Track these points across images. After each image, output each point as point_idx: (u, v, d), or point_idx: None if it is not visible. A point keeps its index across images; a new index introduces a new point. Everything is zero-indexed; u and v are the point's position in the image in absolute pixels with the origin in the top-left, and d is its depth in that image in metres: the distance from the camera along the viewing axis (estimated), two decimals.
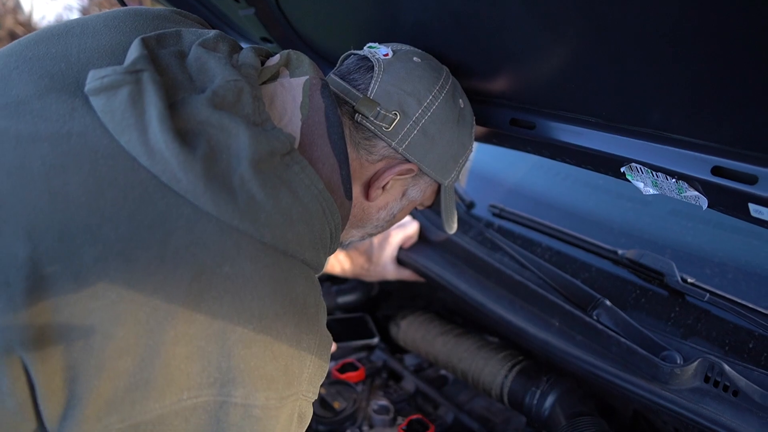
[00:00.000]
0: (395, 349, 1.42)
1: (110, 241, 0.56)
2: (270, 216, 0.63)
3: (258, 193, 0.62)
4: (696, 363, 0.88)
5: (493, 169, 1.57)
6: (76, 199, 0.57)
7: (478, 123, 0.97)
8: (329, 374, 1.30)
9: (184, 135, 0.61)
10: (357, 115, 0.81)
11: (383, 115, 0.81)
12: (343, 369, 1.29)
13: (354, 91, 0.82)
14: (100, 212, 0.57)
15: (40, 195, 0.57)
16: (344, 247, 0.99)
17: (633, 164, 0.78)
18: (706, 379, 0.88)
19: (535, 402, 1.05)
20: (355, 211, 0.87)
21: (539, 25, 0.72)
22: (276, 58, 0.79)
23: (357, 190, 0.85)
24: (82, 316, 0.55)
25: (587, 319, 1.00)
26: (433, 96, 0.83)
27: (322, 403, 1.20)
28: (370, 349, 1.41)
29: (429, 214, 1.45)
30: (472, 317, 1.32)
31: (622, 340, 0.94)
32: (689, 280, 1.00)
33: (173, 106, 0.63)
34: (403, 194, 0.90)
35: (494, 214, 1.36)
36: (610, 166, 0.83)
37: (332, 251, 0.78)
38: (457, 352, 1.22)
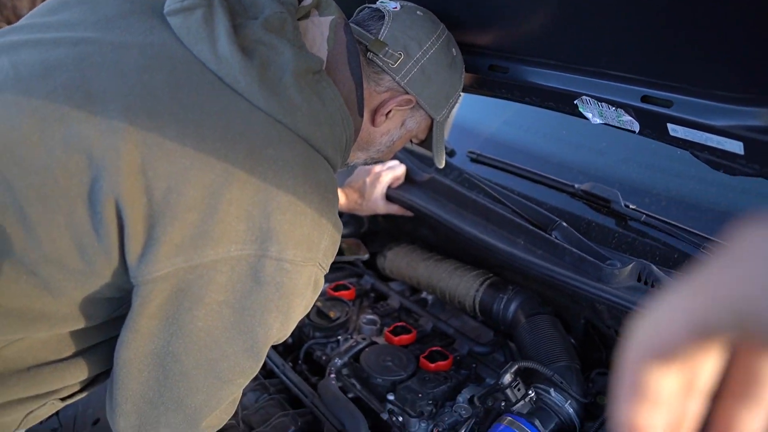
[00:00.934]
0: (381, 279, 1.62)
1: (186, 123, 0.75)
2: (304, 115, 0.83)
3: (296, 97, 0.82)
4: (631, 266, 1.09)
5: (471, 121, 1.77)
6: (161, 91, 0.76)
7: (465, 70, 1.16)
8: (324, 292, 1.49)
9: (243, 49, 0.80)
10: (369, 53, 1.00)
11: (390, 53, 1.00)
12: (336, 288, 1.48)
13: (368, 34, 1.01)
14: (178, 101, 0.75)
15: (134, 84, 0.75)
16: (349, 167, 1.16)
17: (584, 97, 0.97)
18: (639, 279, 1.09)
19: (501, 308, 1.26)
20: (362, 134, 1.05)
21: None
22: (308, 0, 0.98)
23: (366, 115, 1.04)
24: (163, 176, 0.73)
25: (547, 236, 1.21)
26: (431, 42, 1.02)
27: (318, 312, 1.39)
28: (362, 276, 1.60)
29: (413, 159, 1.64)
30: (449, 247, 1.52)
31: (575, 251, 1.15)
32: (631, 206, 1.21)
33: (234, 28, 0.82)
34: (403, 124, 1.08)
35: (472, 159, 1.56)
36: (567, 101, 1.02)
37: (345, 157, 0.97)
38: (436, 273, 1.42)
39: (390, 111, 1.04)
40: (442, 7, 1.08)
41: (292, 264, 0.79)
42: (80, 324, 0.82)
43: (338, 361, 1.25)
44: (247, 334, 0.80)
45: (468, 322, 1.45)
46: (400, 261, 1.54)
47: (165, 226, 0.73)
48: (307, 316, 1.38)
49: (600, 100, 0.95)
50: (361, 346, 1.29)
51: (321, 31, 0.95)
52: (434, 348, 1.26)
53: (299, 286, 0.82)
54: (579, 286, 1.11)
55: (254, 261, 0.77)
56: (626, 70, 0.90)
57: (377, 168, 1.56)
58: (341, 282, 1.51)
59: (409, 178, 1.58)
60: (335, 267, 1.64)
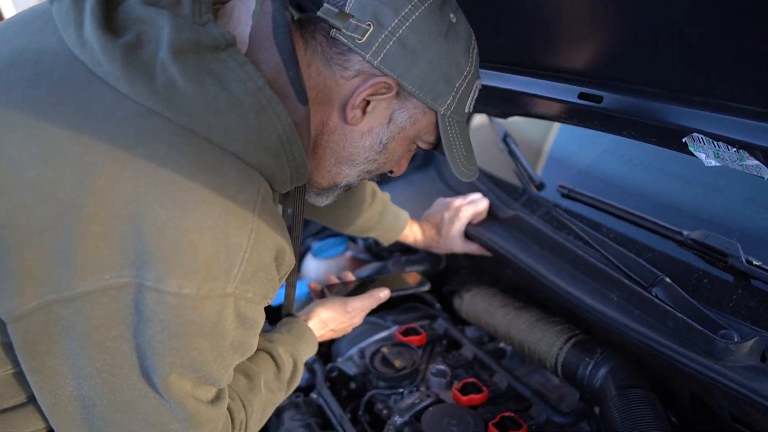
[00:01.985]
0: (457, 321, 1.47)
1: (36, 125, 0.64)
2: (190, 100, 0.65)
3: (179, 79, 0.65)
4: (753, 341, 0.88)
5: (563, 150, 1.59)
6: (16, 90, 0.66)
7: (547, 98, 1.00)
8: (392, 336, 1.37)
9: (116, 29, 0.67)
10: (332, 30, 0.79)
11: (355, 25, 0.77)
12: (406, 333, 1.36)
13: (332, 8, 0.79)
14: (32, 100, 0.65)
15: None
16: (342, 190, 0.94)
17: (695, 135, 0.79)
18: (763, 358, 0.88)
19: (587, 373, 1.08)
20: (336, 137, 0.85)
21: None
22: None
23: (335, 113, 0.83)
24: (6, 193, 0.63)
25: (646, 294, 1.02)
26: (412, 5, 0.78)
27: (383, 360, 1.28)
28: (428, 310, 1.47)
29: (498, 192, 1.49)
30: (533, 291, 1.35)
31: (680, 315, 0.95)
32: (754, 262, 0.99)
33: (114, 8, 0.69)
34: (390, 119, 0.85)
35: (563, 195, 1.38)
36: (674, 137, 0.85)
37: (298, 162, 0.76)
38: (516, 323, 1.26)
39: (367, 103, 0.82)
40: (517, 25, 0.93)
41: (177, 297, 0.64)
42: (2, 370, 0.72)
43: (398, 419, 1.13)
44: (153, 378, 0.67)
45: (550, 379, 1.28)
46: (478, 305, 1.39)
47: (16, 253, 0.62)
48: (371, 362, 1.27)
49: (716, 138, 0.77)
50: (425, 403, 1.16)
51: (247, 7, 0.77)
52: (506, 413, 1.10)
53: (195, 324, 0.67)
54: (683, 361, 0.91)
55: (135, 290, 0.63)
56: (753, 103, 0.71)
57: (457, 202, 1.43)
58: (412, 325, 1.39)
59: (491, 214, 1.43)
60: (406, 307, 1.52)
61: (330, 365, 1.32)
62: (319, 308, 1.15)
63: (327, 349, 1.45)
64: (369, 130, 0.85)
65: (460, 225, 1.41)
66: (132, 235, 0.62)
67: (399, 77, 0.80)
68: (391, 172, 0.96)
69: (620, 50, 0.85)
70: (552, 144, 1.68)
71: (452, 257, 1.58)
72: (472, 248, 1.42)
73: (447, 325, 1.42)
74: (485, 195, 1.46)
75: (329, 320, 1.15)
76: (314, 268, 1.66)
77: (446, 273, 1.63)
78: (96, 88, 0.66)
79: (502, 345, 1.38)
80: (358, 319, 1.21)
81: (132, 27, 0.68)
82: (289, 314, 1.16)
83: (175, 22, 0.68)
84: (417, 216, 1.48)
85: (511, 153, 1.56)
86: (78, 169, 0.63)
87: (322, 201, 0.97)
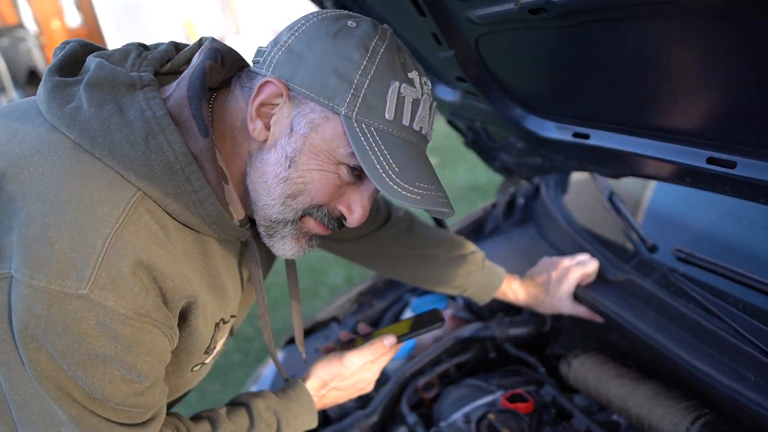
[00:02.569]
0: (565, 388, 1.41)
1: None
2: (87, 121, 0.73)
3: (85, 104, 0.74)
4: None
5: (678, 210, 1.51)
6: None
7: (669, 161, 0.96)
8: (497, 402, 1.33)
9: (67, 75, 0.80)
10: (253, 65, 0.86)
11: (260, 51, 0.85)
12: (512, 399, 1.31)
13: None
14: None
15: None
16: (285, 227, 0.88)
17: None
18: None
19: None
20: (254, 164, 0.85)
21: (738, 62, 0.72)
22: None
23: (242, 133, 0.85)
24: None
25: None
26: (306, 20, 0.82)
27: (490, 427, 1.23)
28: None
29: (606, 252, 1.43)
30: (647, 361, 1.27)
31: None
32: None
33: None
34: (291, 128, 0.81)
35: (679, 259, 1.31)
36: None
37: (200, 196, 0.78)
38: (633, 396, 1.19)
39: (268, 116, 0.82)
40: (636, 86, 0.91)
41: (29, 288, 0.68)
42: None
43: None
44: (29, 372, 0.72)
45: None
46: (588, 373, 1.32)
47: None
48: (478, 429, 1.23)
49: None
50: None
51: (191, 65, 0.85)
52: None
53: (46, 318, 0.69)
54: None
55: (10, 283, 0.69)
56: None
57: (565, 262, 1.39)
58: (518, 391, 1.34)
59: (601, 276, 1.38)
60: (509, 370, 1.47)
61: (433, 429, 1.29)
62: (317, 366, 1.11)
63: (428, 411, 1.42)
64: (274, 144, 0.83)
65: (568, 286, 1.36)
66: (6, 229, 0.70)
67: (287, 80, 0.80)
68: (343, 218, 0.88)
69: (755, 113, 0.81)
70: (659, 203, 1.61)
71: (556, 319, 1.52)
72: (581, 311, 1.36)
73: (554, 392, 1.36)
74: (593, 255, 1.41)
75: (329, 378, 1.10)
76: None
77: (550, 334, 1.57)
78: (31, 111, 0.78)
79: (615, 417, 1.30)
80: (369, 375, 1.12)
81: (78, 72, 0.80)
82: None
83: (100, 65, 0.77)
84: (517, 274, 1.44)
85: (619, 213, 1.50)
86: None
87: (281, 246, 0.91)
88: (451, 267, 1.36)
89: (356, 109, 0.78)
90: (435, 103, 0.88)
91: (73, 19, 9.36)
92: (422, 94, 0.83)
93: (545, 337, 1.56)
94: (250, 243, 0.95)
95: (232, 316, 1.00)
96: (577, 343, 1.49)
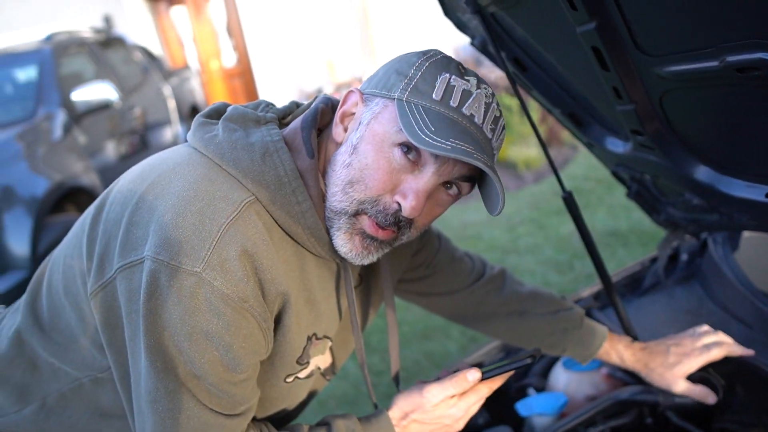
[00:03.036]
0: None
1: (143, 165, 0.98)
2: (220, 142, 0.91)
3: (220, 131, 0.92)
4: None
5: None
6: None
7: None
8: None
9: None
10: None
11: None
12: None
13: None
14: (155, 157, 0.99)
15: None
16: (342, 216, 0.94)
17: None
18: None
19: None
20: (331, 161, 0.96)
21: None
22: None
23: (331, 144, 0.98)
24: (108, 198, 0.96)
25: None
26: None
27: None
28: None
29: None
30: None
31: None
32: None
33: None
34: (359, 122, 0.93)
35: None
36: None
37: (303, 207, 0.91)
38: None
39: (348, 123, 0.96)
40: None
41: (154, 262, 0.81)
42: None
43: None
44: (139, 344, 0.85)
45: None
46: None
47: (92, 237, 0.94)
48: None
49: None
50: None
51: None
52: None
53: (167, 289, 0.81)
54: None
55: (144, 265, 0.83)
56: None
57: (688, 342, 1.32)
58: None
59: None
60: None
61: None
62: (398, 397, 1.09)
63: None
64: (346, 139, 0.94)
65: (689, 369, 1.31)
66: (147, 220, 0.84)
67: (363, 89, 0.96)
68: (399, 211, 0.91)
69: None
70: None
71: (728, 388, 1.39)
72: (695, 391, 1.31)
73: None
74: None
75: (409, 409, 1.06)
76: (564, 380, 1.58)
77: (716, 406, 1.44)
78: (179, 146, 0.98)
79: None
80: (455, 411, 1.06)
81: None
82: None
83: (236, 107, 0.96)
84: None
85: None
86: (140, 182, 0.90)
87: (336, 240, 0.95)
88: (546, 323, 1.34)
89: (407, 93, 0.89)
90: (498, 107, 0.93)
91: (230, 60, 10.26)
92: (477, 90, 0.90)
93: (713, 409, 1.43)
94: (345, 267, 1.04)
95: (327, 337, 1.07)
96: (755, 419, 1.35)
